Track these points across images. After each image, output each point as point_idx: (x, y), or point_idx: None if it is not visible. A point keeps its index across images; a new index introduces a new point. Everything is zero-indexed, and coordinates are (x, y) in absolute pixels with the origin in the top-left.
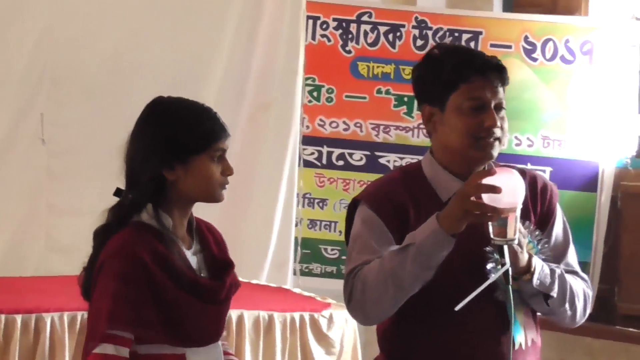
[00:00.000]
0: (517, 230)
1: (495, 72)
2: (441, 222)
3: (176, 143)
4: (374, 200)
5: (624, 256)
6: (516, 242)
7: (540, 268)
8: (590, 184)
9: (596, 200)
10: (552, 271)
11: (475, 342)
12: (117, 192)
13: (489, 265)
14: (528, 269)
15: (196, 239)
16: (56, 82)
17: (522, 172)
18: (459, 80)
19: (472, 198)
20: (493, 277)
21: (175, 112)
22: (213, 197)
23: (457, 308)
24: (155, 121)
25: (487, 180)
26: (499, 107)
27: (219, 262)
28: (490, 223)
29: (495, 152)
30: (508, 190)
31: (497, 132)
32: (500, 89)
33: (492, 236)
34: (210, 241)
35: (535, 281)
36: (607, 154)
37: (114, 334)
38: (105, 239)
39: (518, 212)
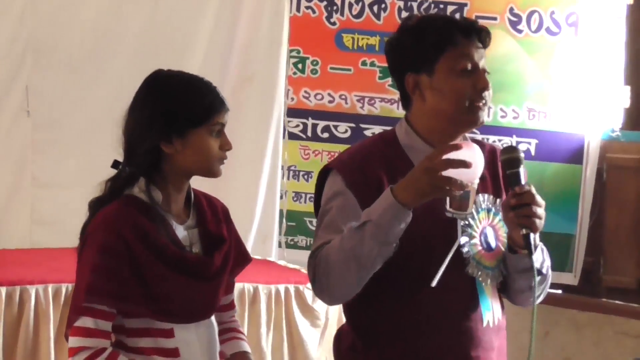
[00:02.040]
0: (474, 203)
1: (479, 34)
2: (399, 195)
3: (175, 116)
4: (347, 171)
5: (609, 228)
6: (471, 215)
7: (539, 245)
8: (576, 156)
9: (581, 173)
10: (542, 249)
11: (443, 317)
12: (115, 164)
13: (463, 240)
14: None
15: (193, 214)
16: (39, 55)
17: (493, 149)
18: (447, 41)
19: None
20: (454, 248)
21: (175, 85)
22: (211, 171)
23: (433, 284)
24: (154, 93)
25: (455, 155)
26: (484, 71)
27: (214, 238)
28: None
29: (484, 117)
30: (472, 163)
31: (488, 95)
32: (484, 52)
33: (451, 209)
34: (207, 216)
35: (536, 255)
36: (592, 126)
37: (92, 307)
38: (97, 211)
39: (475, 185)
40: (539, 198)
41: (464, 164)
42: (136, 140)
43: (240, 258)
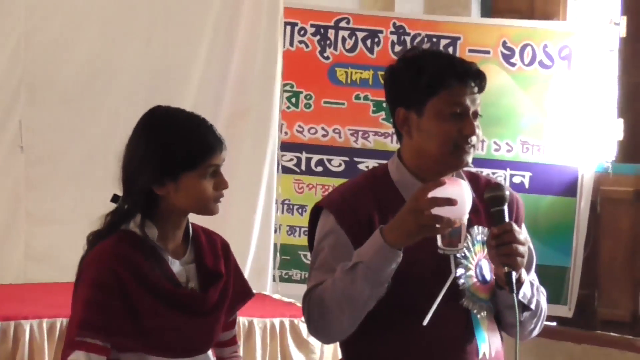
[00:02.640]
0: (465, 238)
1: (475, 79)
2: (387, 237)
3: (167, 160)
4: (338, 209)
5: (604, 261)
6: (463, 250)
7: (527, 280)
8: (570, 189)
9: (576, 206)
10: (531, 284)
11: (438, 350)
12: (114, 199)
13: (459, 272)
14: (517, 280)
15: (190, 249)
16: (34, 89)
17: (489, 183)
18: (439, 85)
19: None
20: (447, 284)
21: (169, 127)
22: (205, 211)
23: (425, 322)
24: (148, 134)
25: (438, 192)
26: (475, 115)
27: (210, 273)
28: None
29: (470, 160)
30: (459, 200)
31: (474, 140)
32: (478, 97)
33: (441, 246)
34: (205, 251)
35: (521, 293)
36: (586, 159)
37: (85, 341)
38: (95, 245)
39: (465, 220)
40: (521, 236)
41: (449, 202)
42: (131, 179)
43: (240, 293)
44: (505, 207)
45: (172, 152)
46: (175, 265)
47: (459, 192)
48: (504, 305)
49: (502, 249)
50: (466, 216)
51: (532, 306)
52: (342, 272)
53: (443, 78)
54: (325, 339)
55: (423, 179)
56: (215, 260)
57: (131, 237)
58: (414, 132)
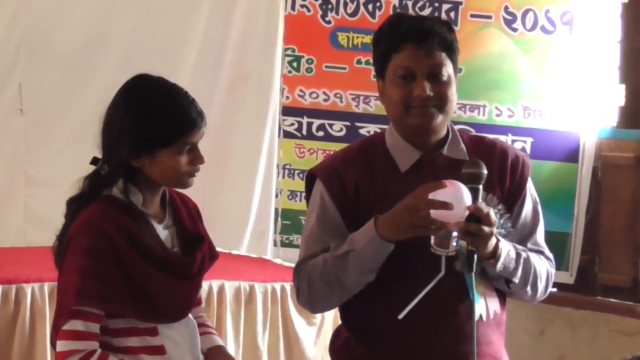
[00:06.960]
0: (457, 244)
1: (425, 37)
2: (380, 228)
3: (143, 136)
4: (326, 177)
5: (605, 227)
6: (454, 253)
7: (506, 253)
8: (572, 154)
9: (577, 171)
10: (518, 255)
11: (433, 313)
12: (94, 161)
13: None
14: (494, 254)
15: (169, 213)
16: (33, 53)
17: (493, 145)
18: (390, 50)
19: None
20: (432, 283)
21: (148, 102)
22: (179, 186)
23: (400, 316)
24: (128, 107)
25: (436, 195)
26: (435, 74)
27: (192, 236)
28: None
29: (435, 121)
30: (456, 204)
31: (433, 100)
32: (439, 54)
33: (433, 245)
34: (183, 215)
35: (499, 267)
36: (588, 124)
37: (82, 310)
38: (76, 210)
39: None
40: (491, 217)
41: (445, 206)
42: (110, 148)
43: (211, 255)
44: (480, 186)
45: (148, 128)
46: (159, 230)
47: (457, 196)
48: (489, 276)
49: (468, 226)
50: (462, 219)
51: (515, 279)
52: (334, 257)
53: (391, 42)
54: (312, 310)
55: (409, 142)
56: (193, 222)
57: (116, 202)
58: (383, 100)
